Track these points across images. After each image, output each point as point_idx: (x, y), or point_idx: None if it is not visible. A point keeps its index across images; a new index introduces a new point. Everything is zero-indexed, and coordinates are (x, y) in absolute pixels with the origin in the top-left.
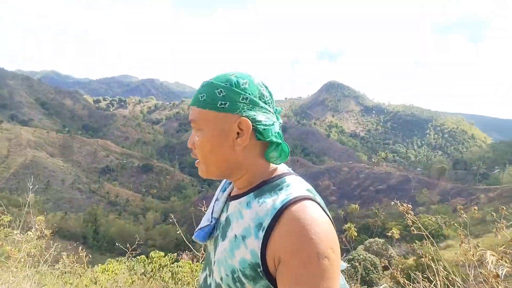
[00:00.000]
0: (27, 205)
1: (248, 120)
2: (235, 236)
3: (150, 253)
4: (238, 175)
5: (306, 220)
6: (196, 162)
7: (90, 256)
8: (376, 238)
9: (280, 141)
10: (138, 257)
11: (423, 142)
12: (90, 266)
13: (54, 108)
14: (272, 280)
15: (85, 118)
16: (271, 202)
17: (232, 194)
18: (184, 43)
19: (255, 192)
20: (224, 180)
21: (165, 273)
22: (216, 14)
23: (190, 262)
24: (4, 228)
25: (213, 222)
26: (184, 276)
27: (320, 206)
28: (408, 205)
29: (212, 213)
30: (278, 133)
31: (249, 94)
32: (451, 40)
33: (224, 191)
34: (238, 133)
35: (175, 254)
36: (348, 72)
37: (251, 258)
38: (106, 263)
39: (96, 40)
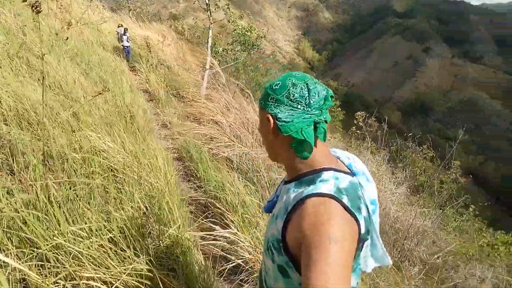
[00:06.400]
0: (455, 141)
1: (270, 115)
2: (274, 214)
3: None
4: (281, 163)
5: (319, 212)
6: None
7: None
8: None
9: (301, 137)
10: None
11: None
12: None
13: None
14: (292, 258)
15: None
16: (300, 192)
17: (286, 180)
18: None
19: (296, 182)
20: None
21: None
22: None
23: None
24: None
25: (275, 199)
26: None
27: (343, 206)
28: None
29: (276, 191)
30: (306, 129)
31: (277, 94)
32: None
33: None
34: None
35: None
36: None
37: (277, 234)
38: None
39: None
